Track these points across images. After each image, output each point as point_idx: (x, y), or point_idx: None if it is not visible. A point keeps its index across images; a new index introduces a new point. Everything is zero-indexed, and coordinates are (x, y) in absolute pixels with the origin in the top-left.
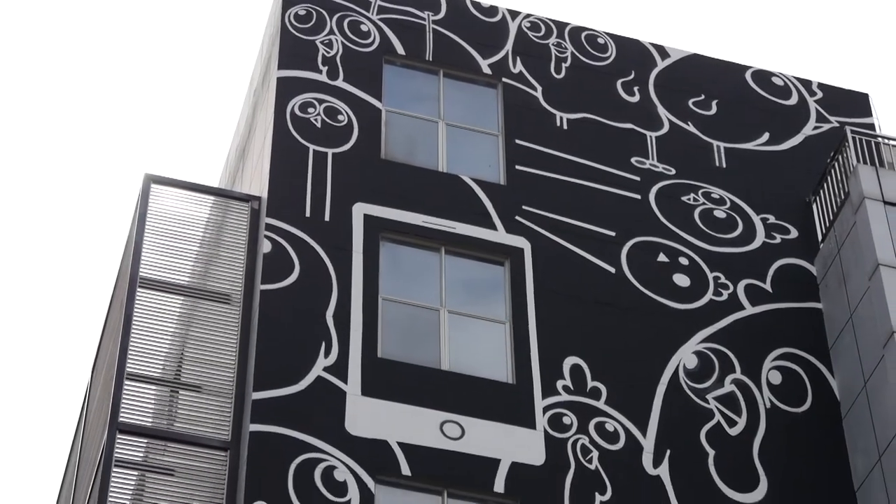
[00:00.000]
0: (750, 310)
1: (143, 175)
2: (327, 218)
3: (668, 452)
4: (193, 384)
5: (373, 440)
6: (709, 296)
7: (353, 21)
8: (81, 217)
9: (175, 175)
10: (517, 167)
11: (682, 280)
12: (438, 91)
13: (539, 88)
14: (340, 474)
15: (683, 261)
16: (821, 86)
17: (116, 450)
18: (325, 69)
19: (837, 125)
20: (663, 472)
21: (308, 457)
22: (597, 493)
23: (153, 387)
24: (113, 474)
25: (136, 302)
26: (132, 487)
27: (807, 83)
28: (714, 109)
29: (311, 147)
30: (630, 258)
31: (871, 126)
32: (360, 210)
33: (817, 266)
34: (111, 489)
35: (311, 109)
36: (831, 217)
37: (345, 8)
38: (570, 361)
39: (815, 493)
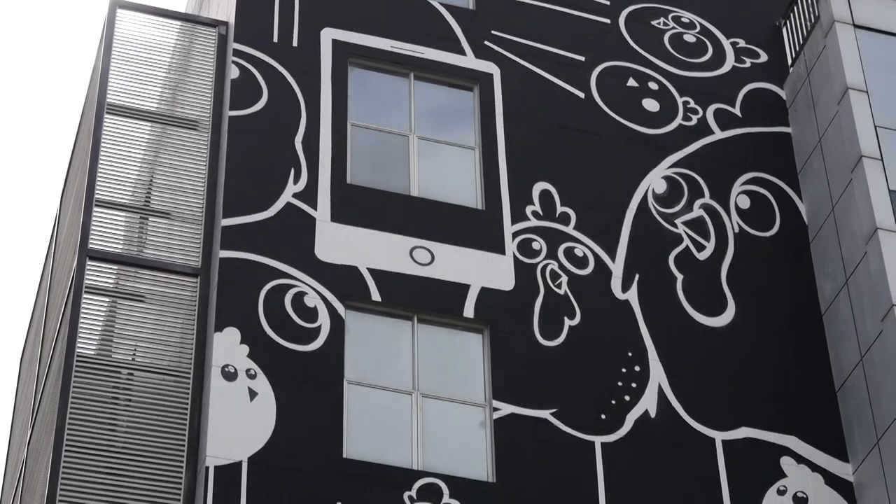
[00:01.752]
0: (719, 134)
1: (109, 1)
2: (295, 43)
3: (637, 277)
4: (163, 211)
5: (342, 266)
6: (678, 121)
7: None
8: (48, 44)
9: (141, 0)
10: None
11: (651, 105)
12: None
13: None
14: (311, 300)
15: (653, 85)
16: None
17: (87, 276)
18: None
19: None
20: (632, 296)
21: (278, 283)
22: (566, 318)
23: (122, 214)
24: (84, 301)
25: (104, 129)
26: (103, 314)
27: None
28: None
29: None
30: (599, 83)
31: None
32: (328, 35)
33: (787, 90)
34: (82, 315)
35: None
36: (801, 41)
37: None
38: (539, 187)
39: (782, 316)
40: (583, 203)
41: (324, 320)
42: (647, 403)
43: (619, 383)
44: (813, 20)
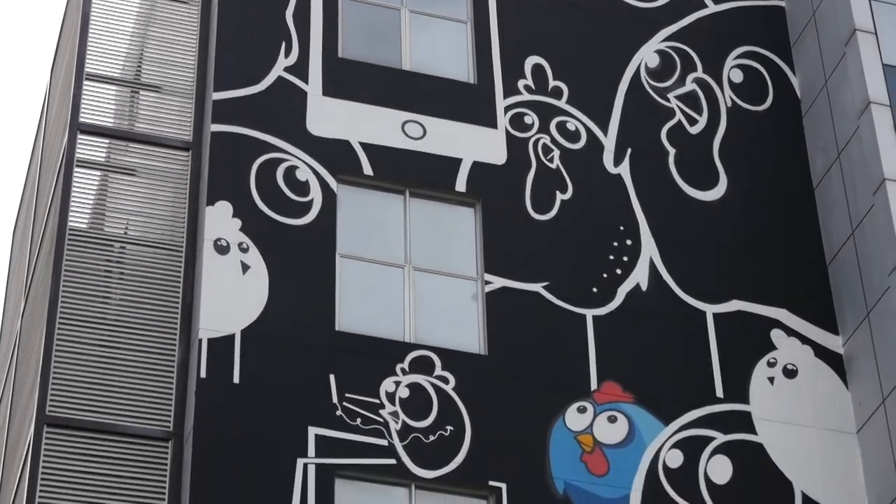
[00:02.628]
0: (712, 7)
1: None
2: None
3: (629, 151)
4: (153, 84)
5: (334, 140)
6: None
7: None
8: None
9: None
10: None
11: None
12: None
13: None
14: (302, 174)
15: None
16: None
17: (78, 150)
18: None
19: None
20: (624, 170)
21: (270, 157)
22: (558, 192)
23: (113, 87)
24: (75, 174)
25: (94, 2)
26: (95, 188)
27: None
28: None
29: None
30: None
31: None
32: None
33: None
34: (74, 189)
35: None
36: None
37: None
38: (531, 61)
39: (774, 190)
40: (575, 77)
41: (316, 194)
42: (639, 277)
43: (611, 257)
44: None
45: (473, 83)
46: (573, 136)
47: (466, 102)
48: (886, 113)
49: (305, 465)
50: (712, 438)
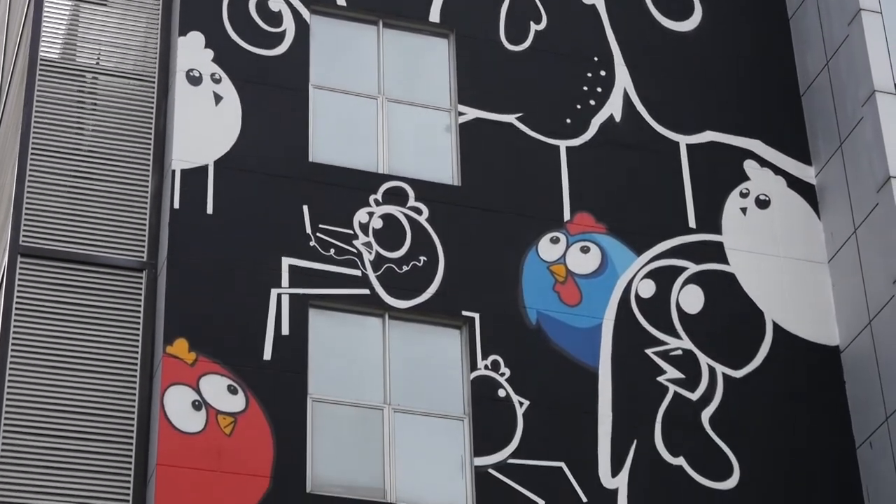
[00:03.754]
0: None
1: None
2: None
3: None
4: None
5: None
6: None
7: None
8: None
9: None
10: None
11: None
12: None
13: None
14: (275, 4)
15: None
16: None
17: None
18: None
19: None
20: (598, 0)
21: None
22: (532, 23)
23: None
24: (46, 4)
25: None
26: (66, 18)
27: None
28: None
29: None
30: None
31: None
32: None
33: None
34: (45, 19)
35: None
36: None
37: None
38: None
39: (749, 20)
40: None
41: (288, 24)
42: (613, 108)
43: (585, 88)
44: None
45: None
46: None
47: None
48: None
49: (279, 296)
50: (684, 268)
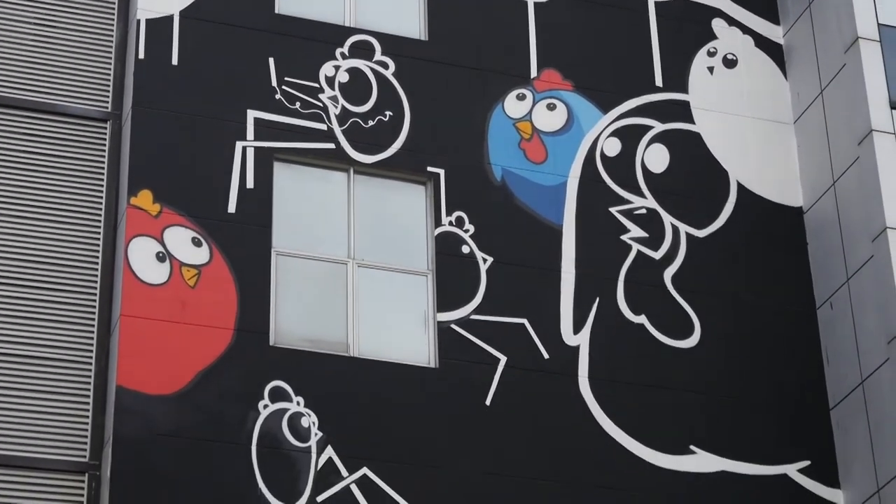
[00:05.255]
0: None
1: None
2: None
3: None
4: None
5: None
6: None
7: None
8: None
9: None
10: None
11: None
12: None
13: None
14: None
15: None
16: None
17: None
18: None
19: None
20: None
21: None
22: None
23: None
24: None
25: None
26: None
27: None
28: None
29: None
30: None
31: None
32: None
33: None
34: None
35: None
36: None
37: None
38: None
39: None
40: None
41: None
42: None
43: None
44: None
45: None
46: None
47: None
48: None
49: (244, 149)
50: (650, 127)
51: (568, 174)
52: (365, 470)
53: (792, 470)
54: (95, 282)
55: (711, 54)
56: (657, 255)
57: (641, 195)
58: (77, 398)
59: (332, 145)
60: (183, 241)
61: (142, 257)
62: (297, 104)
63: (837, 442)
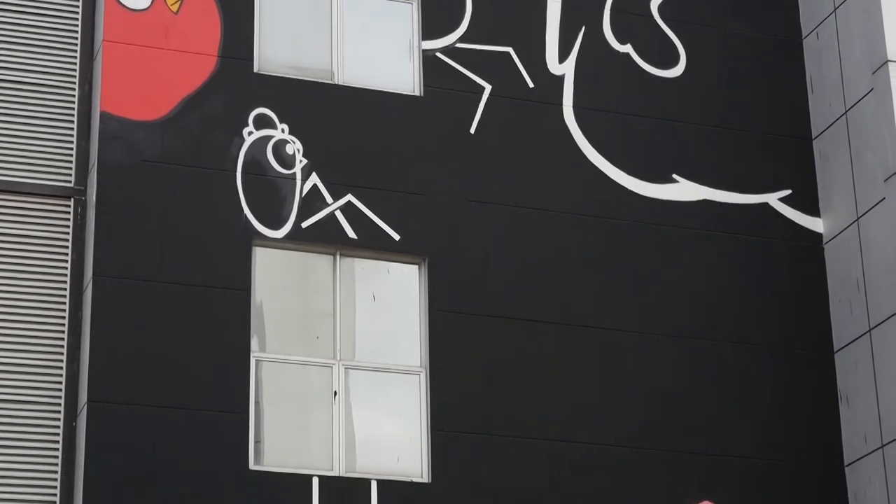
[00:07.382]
0: None
1: None
2: None
3: None
4: None
5: None
6: None
7: None
8: None
9: None
10: None
11: None
12: None
13: None
14: None
15: None
16: None
17: None
18: None
19: None
20: None
21: None
22: None
23: None
24: None
25: None
26: None
27: None
28: None
29: None
30: None
31: None
32: None
33: None
34: None
35: None
36: None
37: None
38: None
39: None
40: None
41: None
42: None
43: None
44: None
45: None
46: None
47: None
48: None
49: None
50: None
51: None
52: (349, 197)
53: (773, 199)
54: (77, 9)
55: None
56: None
57: None
58: (61, 123)
59: None
60: None
61: None
62: None
63: (819, 171)
